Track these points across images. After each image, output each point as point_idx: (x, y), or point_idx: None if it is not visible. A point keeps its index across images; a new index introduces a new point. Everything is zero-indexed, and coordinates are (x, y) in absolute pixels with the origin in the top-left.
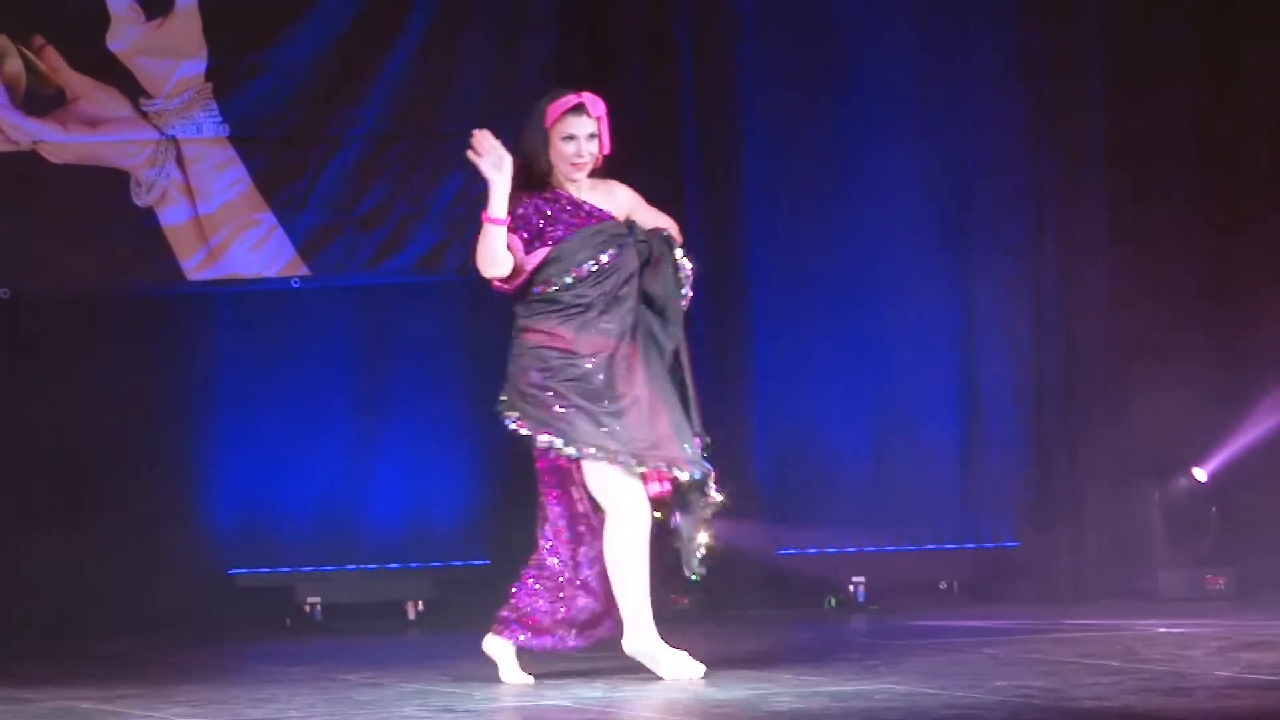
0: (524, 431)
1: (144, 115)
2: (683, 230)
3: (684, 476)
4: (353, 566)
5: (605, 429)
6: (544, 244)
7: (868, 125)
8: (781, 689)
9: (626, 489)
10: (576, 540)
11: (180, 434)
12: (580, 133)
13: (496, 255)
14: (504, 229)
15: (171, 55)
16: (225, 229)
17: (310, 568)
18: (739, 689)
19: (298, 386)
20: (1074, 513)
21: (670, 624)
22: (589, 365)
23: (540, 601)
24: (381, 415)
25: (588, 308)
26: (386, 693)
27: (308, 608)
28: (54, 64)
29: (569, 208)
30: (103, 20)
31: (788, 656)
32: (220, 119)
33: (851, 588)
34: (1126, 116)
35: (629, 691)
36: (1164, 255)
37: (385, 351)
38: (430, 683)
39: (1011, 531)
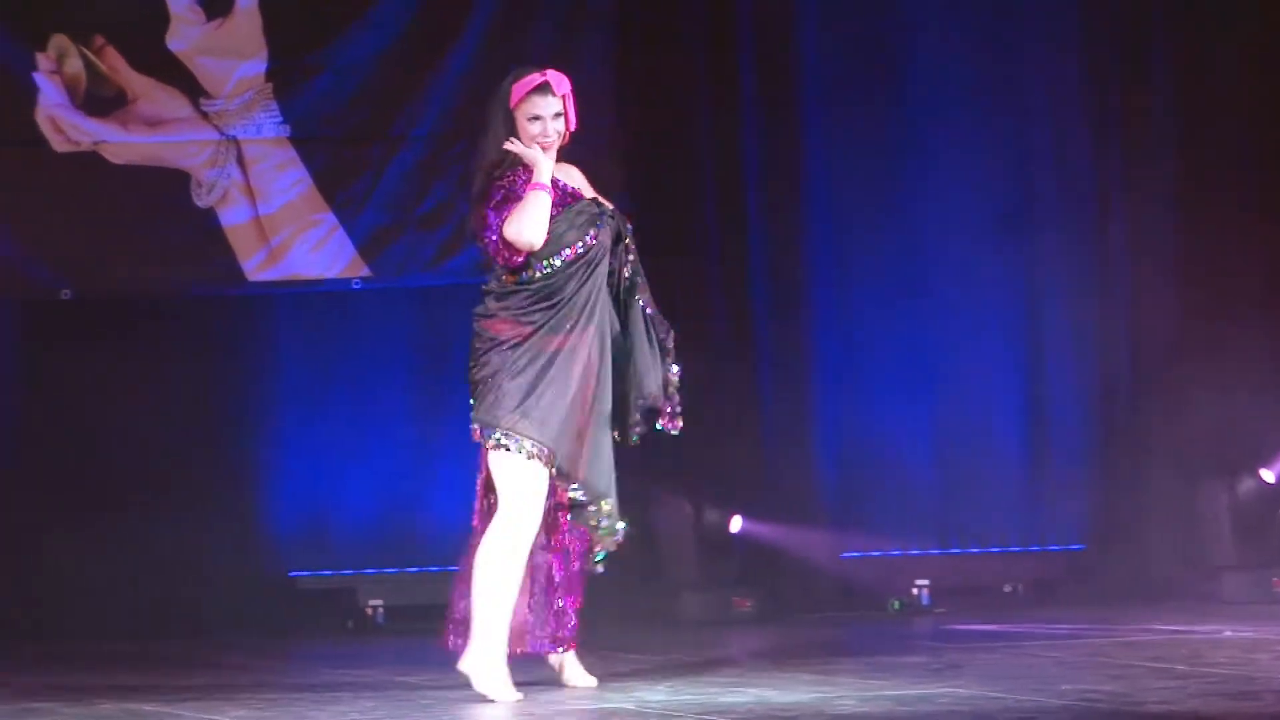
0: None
1: (204, 115)
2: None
3: (574, 495)
4: (415, 568)
5: (533, 420)
6: None
7: (928, 123)
8: (845, 692)
9: (532, 491)
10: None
11: (240, 435)
12: (546, 113)
13: (544, 221)
14: (549, 197)
15: (232, 55)
16: (286, 229)
17: (372, 570)
18: (802, 692)
19: (358, 387)
20: (1140, 515)
21: (733, 627)
22: (548, 358)
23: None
24: (441, 416)
25: (567, 294)
26: (449, 694)
27: (370, 610)
28: (114, 64)
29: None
30: (163, 20)
31: (851, 660)
32: (280, 119)
33: (916, 591)
34: (1190, 107)
35: (692, 694)
36: (1230, 249)
37: (444, 352)
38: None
39: (1077, 534)
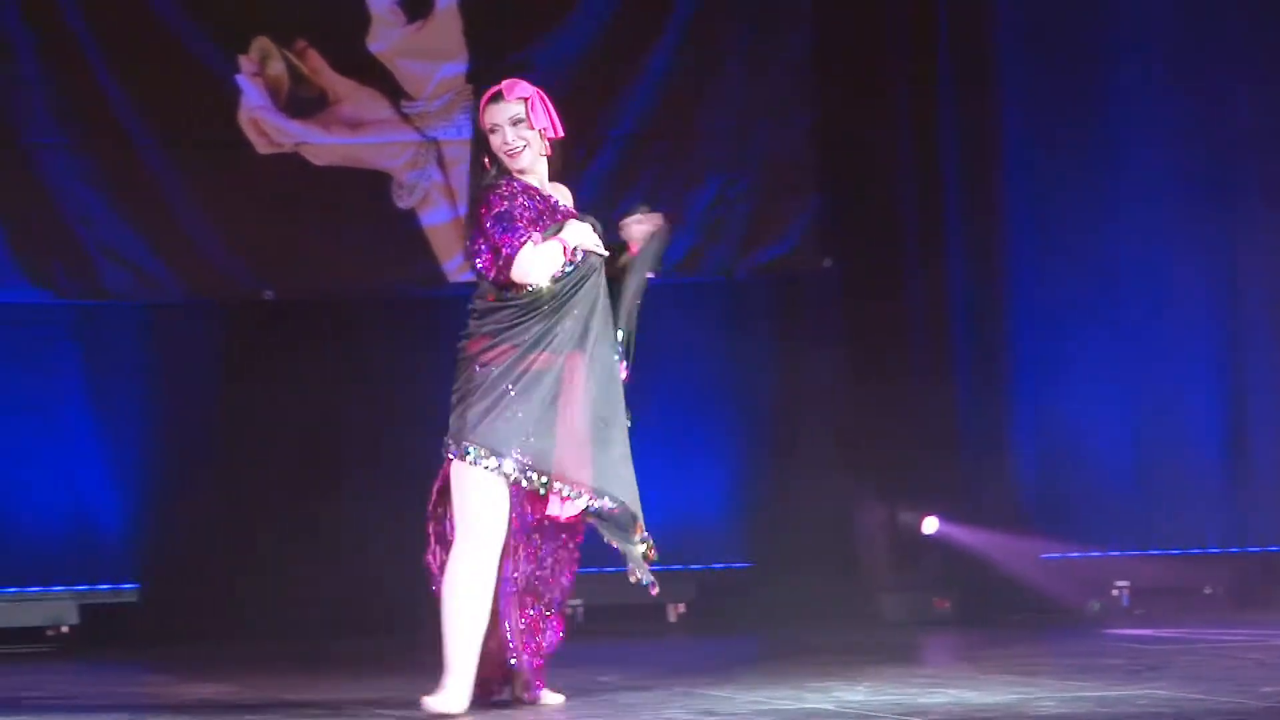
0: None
1: (405, 117)
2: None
3: (587, 503)
4: (614, 569)
5: (499, 434)
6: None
7: (1130, 124)
8: (1045, 694)
9: (490, 507)
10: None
11: (438, 435)
12: (501, 120)
13: (552, 270)
14: (563, 255)
15: (432, 57)
16: None
17: None
18: (1002, 693)
19: None
20: None
21: (932, 628)
22: (525, 374)
23: None
24: (642, 418)
25: (549, 309)
26: (649, 695)
27: (569, 610)
28: (316, 66)
29: (539, 200)
30: (364, 22)
31: (1051, 661)
32: None
33: (1115, 592)
34: None
35: (890, 694)
36: None
37: (644, 354)
38: (693, 685)
39: (1278, 535)
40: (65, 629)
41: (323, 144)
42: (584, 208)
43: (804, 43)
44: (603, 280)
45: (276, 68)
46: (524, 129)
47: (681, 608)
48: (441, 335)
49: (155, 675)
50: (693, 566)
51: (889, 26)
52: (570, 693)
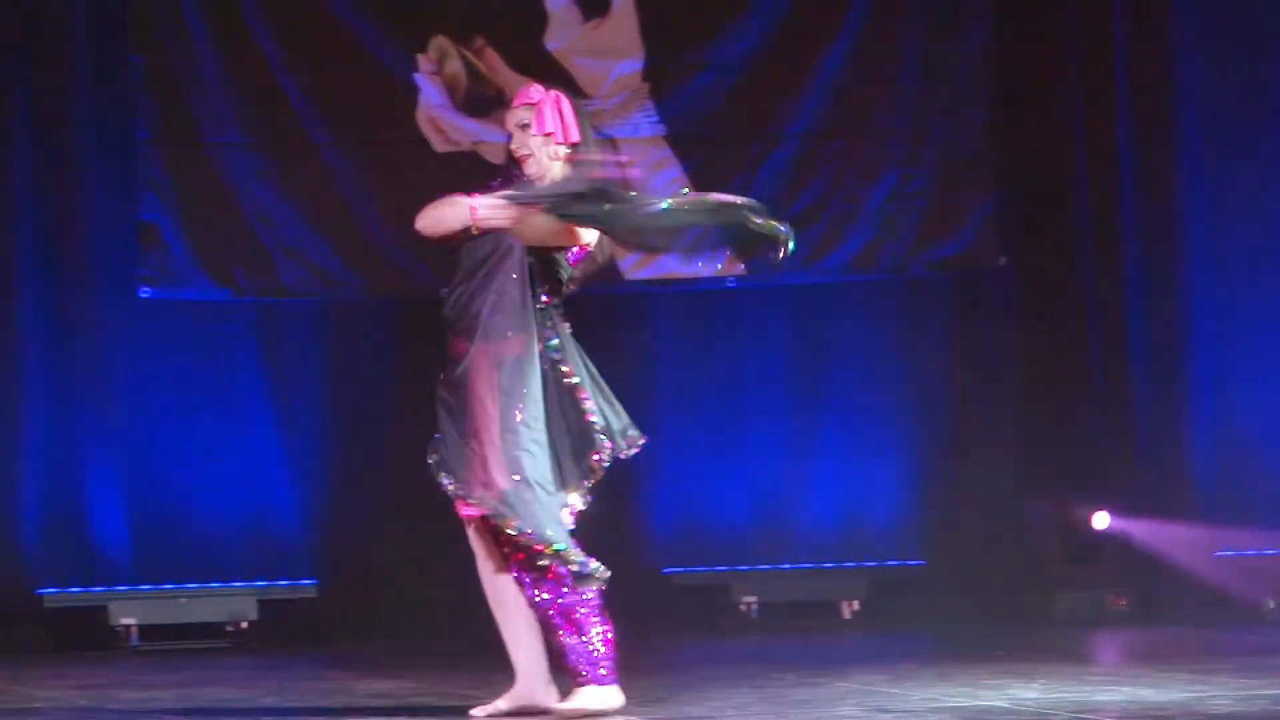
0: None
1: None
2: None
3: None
4: (788, 565)
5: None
6: None
7: None
8: (1219, 691)
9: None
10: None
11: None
12: (510, 125)
13: (439, 223)
14: (465, 214)
15: (609, 55)
16: None
17: (746, 567)
18: (1176, 691)
19: (733, 385)
20: None
21: (1106, 626)
22: (448, 374)
23: None
24: (816, 415)
25: (452, 291)
26: (822, 692)
27: (744, 607)
28: (493, 65)
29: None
30: (541, 21)
31: (1226, 659)
32: (657, 118)
33: None
34: None
35: (1065, 692)
36: None
37: (819, 351)
38: (866, 682)
39: None
40: (244, 624)
41: (500, 142)
42: (761, 202)
43: (980, 42)
44: (491, 275)
45: (454, 66)
46: (529, 135)
47: (855, 605)
48: (619, 332)
49: (332, 670)
50: (866, 564)
51: (1066, 26)
52: (744, 688)
